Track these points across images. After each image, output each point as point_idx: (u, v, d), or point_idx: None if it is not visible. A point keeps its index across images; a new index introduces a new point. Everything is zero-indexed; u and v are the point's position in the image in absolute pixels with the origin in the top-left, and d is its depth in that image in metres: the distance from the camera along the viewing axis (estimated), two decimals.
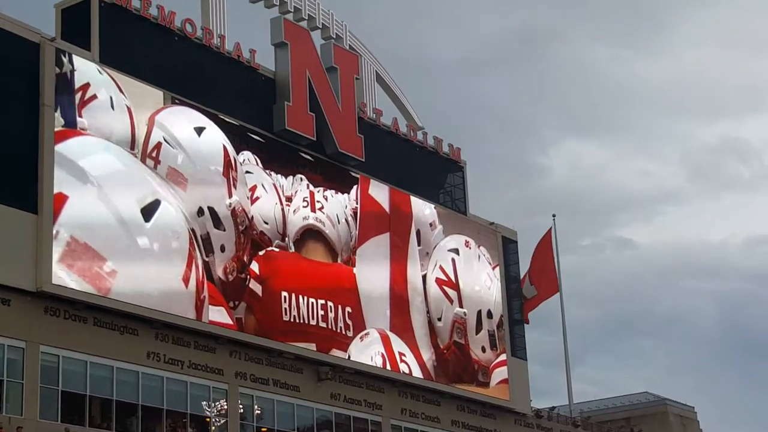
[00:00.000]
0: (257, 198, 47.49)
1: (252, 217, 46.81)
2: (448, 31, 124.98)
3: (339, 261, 50.61)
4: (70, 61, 41.67)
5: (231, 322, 45.27)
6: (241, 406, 45.46)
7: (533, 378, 61.71)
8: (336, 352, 49.09)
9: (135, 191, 42.33)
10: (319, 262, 49.57)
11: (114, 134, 42.47)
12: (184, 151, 44.94)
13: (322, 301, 48.86)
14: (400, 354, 52.76)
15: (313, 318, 48.37)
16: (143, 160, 43.34)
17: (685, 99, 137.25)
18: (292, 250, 48.44)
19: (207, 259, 44.66)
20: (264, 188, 47.87)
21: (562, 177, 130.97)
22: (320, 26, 53.20)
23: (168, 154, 44.28)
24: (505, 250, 60.68)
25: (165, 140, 44.31)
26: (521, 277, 61.63)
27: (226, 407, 44.12)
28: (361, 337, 51.10)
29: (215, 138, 46.45)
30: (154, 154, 43.78)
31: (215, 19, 47.84)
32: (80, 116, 41.60)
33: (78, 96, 41.77)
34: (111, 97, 42.80)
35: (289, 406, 47.81)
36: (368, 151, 52.77)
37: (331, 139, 51.05)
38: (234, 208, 46.16)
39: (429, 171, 57.56)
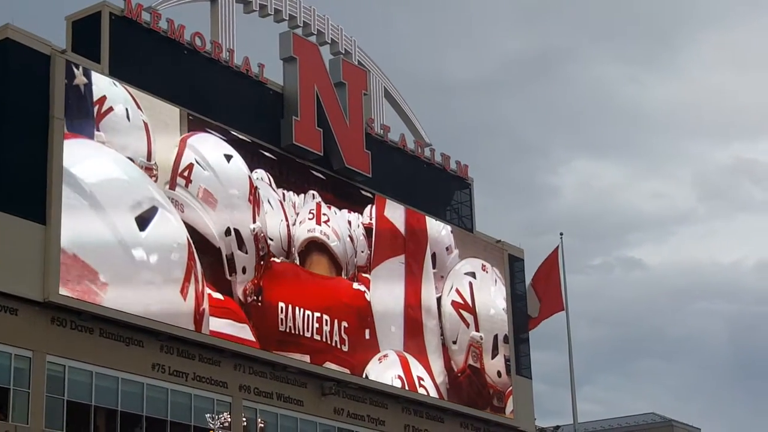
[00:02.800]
0: (264, 213, 47.69)
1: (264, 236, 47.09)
2: (460, 49, 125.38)
3: (343, 275, 50.52)
4: (86, 74, 41.86)
5: (253, 339, 45.64)
6: (244, 419, 45.57)
7: (540, 397, 61.68)
8: (330, 365, 48.88)
9: (130, 199, 42.12)
10: (319, 275, 49.46)
11: (129, 148, 42.66)
12: (215, 174, 45.66)
13: (318, 314, 48.69)
14: (419, 378, 52.88)
15: (308, 330, 48.25)
16: (173, 179, 43.89)
17: (698, 120, 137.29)
18: (297, 261, 48.50)
19: (230, 279, 45.17)
20: (270, 204, 48.00)
21: (573, 196, 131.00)
22: (329, 41, 53.40)
23: (200, 175, 45.05)
24: (512, 268, 60.63)
25: (197, 162, 45.13)
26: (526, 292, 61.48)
27: (229, 420, 44.33)
28: (379, 359, 51.25)
29: (241, 166, 47.06)
30: (185, 174, 44.55)
31: (224, 33, 48.08)
32: (98, 130, 41.83)
33: (95, 109, 41.98)
34: (127, 109, 43.04)
35: (292, 420, 47.85)
36: (375, 167, 52.88)
37: (339, 155, 51.20)
38: (257, 233, 46.54)
39: (436, 187, 57.60)
